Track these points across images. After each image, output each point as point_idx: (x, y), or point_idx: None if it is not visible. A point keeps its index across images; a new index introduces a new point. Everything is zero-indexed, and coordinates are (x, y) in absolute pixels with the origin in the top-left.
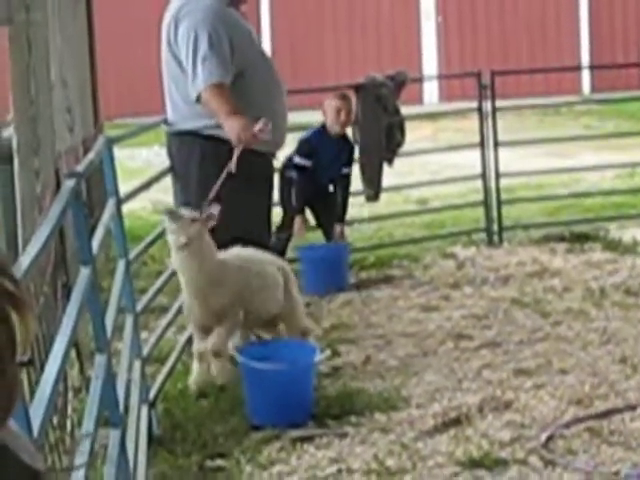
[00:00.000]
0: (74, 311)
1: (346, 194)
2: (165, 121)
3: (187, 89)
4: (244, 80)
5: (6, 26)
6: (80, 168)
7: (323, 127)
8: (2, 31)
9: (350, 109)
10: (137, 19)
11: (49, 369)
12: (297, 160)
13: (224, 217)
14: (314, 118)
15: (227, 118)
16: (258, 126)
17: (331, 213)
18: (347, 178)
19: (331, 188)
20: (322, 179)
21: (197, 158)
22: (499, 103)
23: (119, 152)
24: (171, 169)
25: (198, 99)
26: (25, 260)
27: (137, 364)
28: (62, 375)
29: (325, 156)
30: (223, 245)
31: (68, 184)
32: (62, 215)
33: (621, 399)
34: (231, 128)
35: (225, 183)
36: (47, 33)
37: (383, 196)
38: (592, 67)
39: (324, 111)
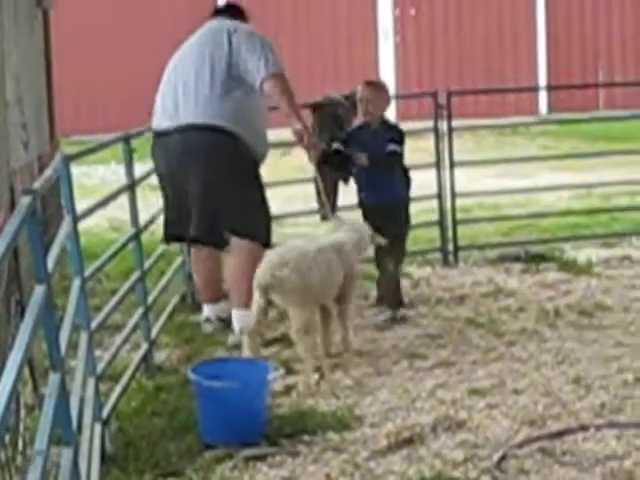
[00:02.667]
0: (28, 328)
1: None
2: (126, 138)
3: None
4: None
5: None
6: (37, 185)
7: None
8: None
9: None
10: (96, 36)
11: (2, 387)
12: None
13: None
14: (271, 136)
15: (300, 118)
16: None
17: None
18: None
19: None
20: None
21: (231, 153)
22: (455, 123)
23: (75, 169)
24: (129, 182)
25: (273, 76)
26: None
27: (91, 382)
28: (15, 393)
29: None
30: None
31: (24, 201)
32: (17, 232)
33: (574, 419)
34: (301, 127)
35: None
36: (2, 50)
37: (339, 214)
38: (549, 88)
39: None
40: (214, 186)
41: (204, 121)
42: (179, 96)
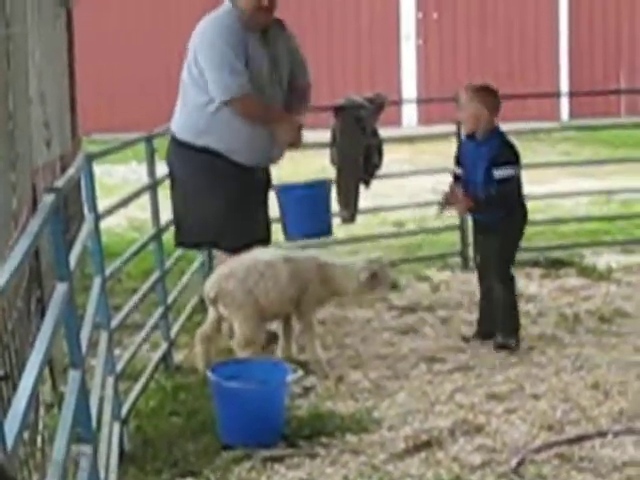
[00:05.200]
0: (49, 326)
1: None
2: (148, 137)
3: (197, 97)
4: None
5: None
6: (60, 183)
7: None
8: None
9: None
10: (118, 34)
11: (23, 384)
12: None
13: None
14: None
15: (280, 118)
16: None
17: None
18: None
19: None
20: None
21: (191, 170)
22: None
23: (96, 168)
24: (150, 182)
25: (226, 103)
26: (3, 276)
27: (110, 381)
28: (36, 390)
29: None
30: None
31: (47, 199)
32: (40, 231)
33: (592, 425)
34: (285, 127)
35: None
36: (26, 48)
37: (360, 218)
38: (571, 94)
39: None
40: (178, 195)
41: (172, 131)
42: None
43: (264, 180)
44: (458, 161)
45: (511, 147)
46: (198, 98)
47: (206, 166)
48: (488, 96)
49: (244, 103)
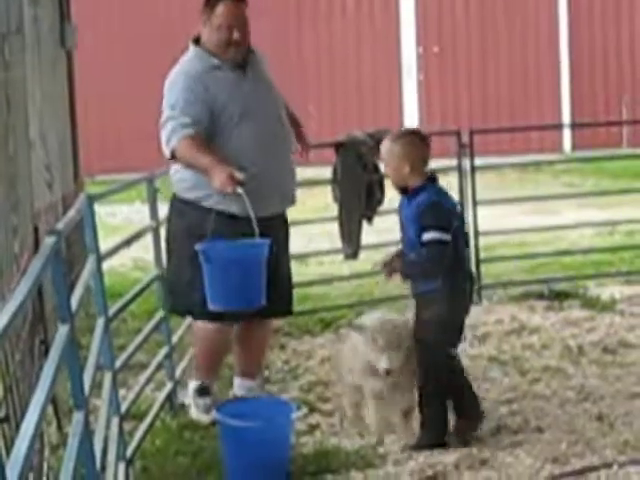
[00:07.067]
0: (52, 368)
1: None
2: (150, 178)
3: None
4: (222, 136)
5: None
6: (60, 225)
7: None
8: None
9: None
10: (121, 76)
11: (26, 425)
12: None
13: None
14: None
15: (210, 169)
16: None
17: None
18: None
19: None
20: None
21: (173, 217)
22: (478, 161)
23: (100, 208)
24: (153, 223)
25: (173, 156)
26: (3, 318)
27: (115, 421)
28: (39, 432)
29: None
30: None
31: (48, 241)
32: (42, 273)
33: (598, 457)
34: (213, 180)
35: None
36: (26, 91)
37: (363, 254)
38: (573, 125)
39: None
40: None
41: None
42: None
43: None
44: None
45: (438, 207)
46: None
47: (198, 223)
48: (409, 145)
49: (179, 149)
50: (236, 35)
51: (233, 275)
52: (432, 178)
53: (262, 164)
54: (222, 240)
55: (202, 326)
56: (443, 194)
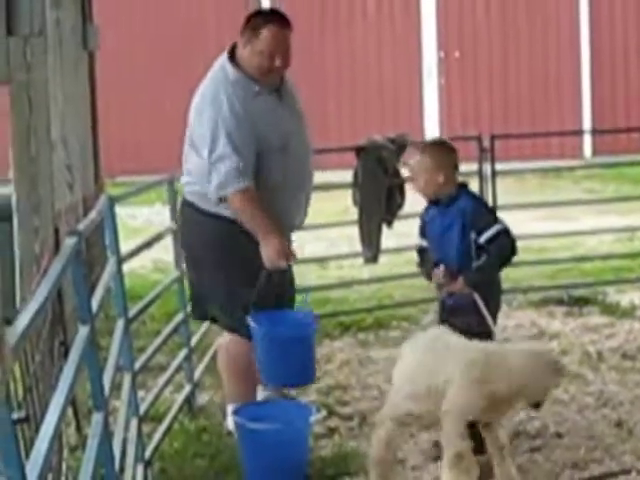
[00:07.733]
0: (72, 369)
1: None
2: (171, 180)
3: (200, 168)
4: (262, 168)
5: (6, 85)
6: (81, 226)
7: None
8: (2, 88)
9: None
10: (142, 77)
11: (46, 426)
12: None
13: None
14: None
15: (265, 236)
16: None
17: None
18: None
19: None
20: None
21: (209, 239)
22: (499, 166)
23: (120, 210)
24: (173, 225)
25: (221, 199)
26: (24, 318)
27: (134, 422)
28: (58, 433)
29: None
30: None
31: (69, 242)
32: (62, 274)
33: (616, 463)
34: (267, 250)
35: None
36: (48, 92)
37: (383, 258)
38: (594, 131)
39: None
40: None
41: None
42: None
43: None
44: (423, 232)
45: (486, 205)
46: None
47: (217, 233)
48: (440, 155)
49: (234, 201)
50: (278, 62)
51: (293, 353)
52: (463, 184)
53: (293, 199)
54: (268, 311)
55: (241, 343)
56: (478, 196)
